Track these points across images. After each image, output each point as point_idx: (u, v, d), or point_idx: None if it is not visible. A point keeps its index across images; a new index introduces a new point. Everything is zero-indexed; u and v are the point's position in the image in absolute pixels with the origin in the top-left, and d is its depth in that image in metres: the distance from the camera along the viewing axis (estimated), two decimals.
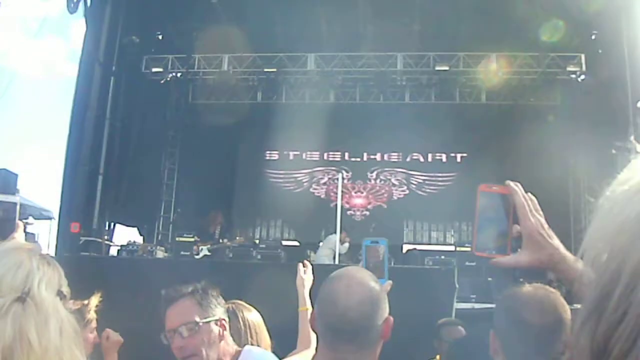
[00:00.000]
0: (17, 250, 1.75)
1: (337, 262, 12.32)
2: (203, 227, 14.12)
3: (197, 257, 12.78)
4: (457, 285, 6.03)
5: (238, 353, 2.57)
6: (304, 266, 3.18)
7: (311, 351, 2.95)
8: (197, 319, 2.47)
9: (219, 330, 2.52)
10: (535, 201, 1.49)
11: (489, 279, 12.32)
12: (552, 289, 1.94)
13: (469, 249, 14.01)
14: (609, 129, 13.11)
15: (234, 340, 2.90)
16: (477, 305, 9.07)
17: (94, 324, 3.14)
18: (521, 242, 1.47)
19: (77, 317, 2.67)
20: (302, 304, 3.06)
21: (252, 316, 3.11)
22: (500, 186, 1.52)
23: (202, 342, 2.44)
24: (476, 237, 1.52)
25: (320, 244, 14.07)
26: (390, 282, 2.17)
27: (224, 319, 2.58)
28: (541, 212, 1.49)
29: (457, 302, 6.13)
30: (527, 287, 1.94)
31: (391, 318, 1.77)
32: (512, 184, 1.51)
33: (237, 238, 13.76)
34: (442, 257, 14.22)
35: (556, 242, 1.48)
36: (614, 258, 0.54)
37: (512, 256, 1.48)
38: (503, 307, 1.95)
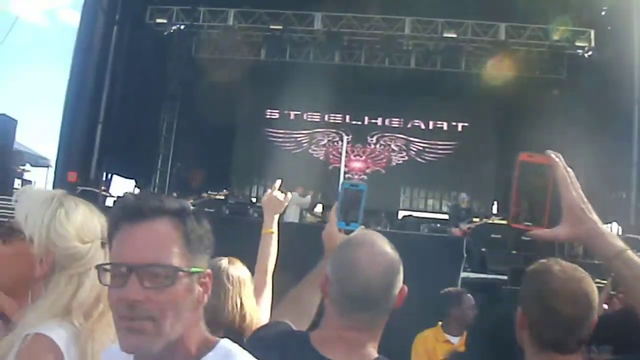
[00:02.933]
0: (80, 199, 1.79)
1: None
2: (186, 183, 14.15)
3: None
4: (465, 255, 6.03)
5: (209, 344, 1.43)
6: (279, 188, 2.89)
7: (268, 286, 2.85)
8: (177, 263, 1.34)
9: (199, 292, 1.40)
10: (573, 174, 1.45)
11: (482, 249, 12.37)
12: (582, 272, 1.88)
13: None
14: (613, 107, 13.07)
15: (219, 299, 2.54)
16: (470, 275, 9.09)
17: None
18: (558, 216, 1.43)
19: None
20: (266, 226, 2.83)
21: (244, 273, 2.74)
22: (542, 156, 1.46)
23: (171, 304, 1.32)
24: (514, 208, 1.47)
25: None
26: (363, 226, 2.14)
27: (210, 275, 1.42)
28: (579, 185, 1.45)
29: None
30: (558, 270, 1.87)
31: (406, 287, 1.74)
32: (553, 154, 1.46)
33: (223, 191, 13.79)
34: (438, 225, 14.25)
35: (595, 217, 1.45)
36: None
37: (551, 230, 1.44)
38: (533, 290, 1.90)
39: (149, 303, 1.29)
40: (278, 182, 2.90)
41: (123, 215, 1.37)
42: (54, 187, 12.95)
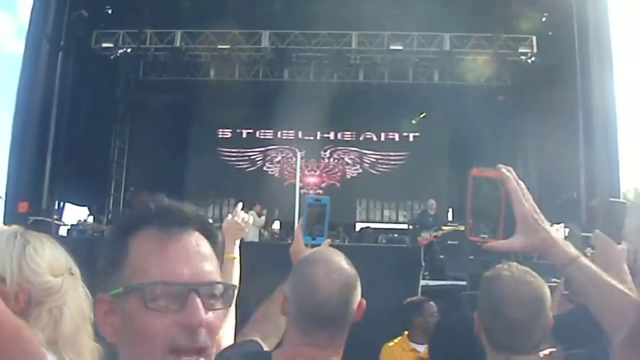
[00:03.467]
0: (43, 234, 1.82)
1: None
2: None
3: None
4: (423, 263, 6.11)
5: None
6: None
7: (232, 309, 2.83)
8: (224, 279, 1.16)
9: None
10: (524, 186, 1.51)
11: (441, 256, 12.53)
12: (532, 275, 1.92)
13: None
14: (558, 110, 13.42)
15: None
16: (431, 283, 9.19)
17: None
18: (512, 227, 1.49)
19: None
20: (228, 251, 2.70)
21: None
22: (493, 170, 1.52)
23: (219, 330, 1.13)
24: (470, 222, 1.52)
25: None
26: (329, 240, 2.17)
27: None
28: (530, 197, 1.51)
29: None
30: (507, 275, 1.92)
31: (364, 301, 1.77)
32: (504, 168, 1.52)
33: None
34: (395, 235, 14.39)
35: (548, 226, 1.51)
36: None
37: (507, 241, 1.50)
38: (484, 295, 1.96)
39: (207, 329, 1.08)
40: (239, 206, 2.88)
41: (150, 222, 1.11)
42: (4, 218, 12.64)
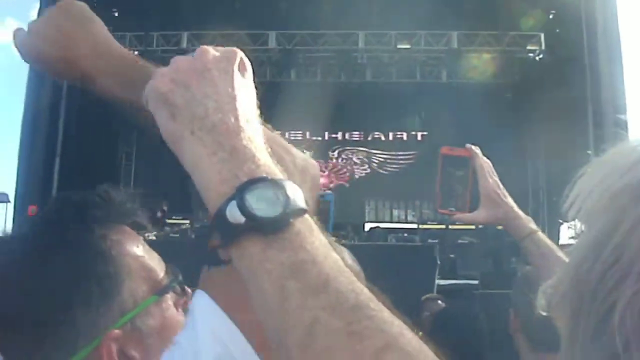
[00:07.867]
0: None
1: None
2: (152, 215, 13.87)
3: None
4: (438, 261, 6.06)
5: None
6: None
7: None
8: None
9: None
10: (491, 164, 1.63)
11: (451, 255, 12.45)
12: None
13: (431, 226, 14.16)
14: (567, 107, 13.34)
15: None
16: (441, 282, 9.11)
17: None
18: (478, 201, 1.62)
19: None
20: None
21: None
22: (461, 149, 1.64)
23: None
24: (440, 196, 1.65)
25: None
26: (334, 238, 2.12)
27: None
28: (496, 174, 1.63)
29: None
30: None
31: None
32: (472, 147, 1.64)
33: (186, 223, 13.62)
34: (405, 234, 14.29)
35: (510, 201, 1.63)
36: (613, 212, 0.60)
37: (472, 213, 1.62)
38: (521, 293, 1.93)
39: None
40: None
41: None
42: (14, 222, 12.67)
